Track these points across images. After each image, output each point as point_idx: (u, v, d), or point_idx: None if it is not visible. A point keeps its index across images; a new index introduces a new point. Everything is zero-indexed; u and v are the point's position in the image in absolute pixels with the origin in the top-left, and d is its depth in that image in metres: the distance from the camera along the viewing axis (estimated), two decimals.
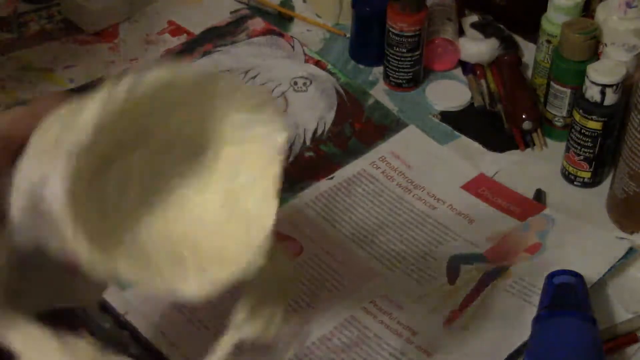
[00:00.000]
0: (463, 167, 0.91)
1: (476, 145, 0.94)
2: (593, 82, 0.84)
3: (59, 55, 1.04)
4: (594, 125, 0.85)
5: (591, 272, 0.76)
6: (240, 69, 1.02)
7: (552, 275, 0.73)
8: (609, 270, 0.78)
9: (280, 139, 0.50)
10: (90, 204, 0.46)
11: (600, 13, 0.91)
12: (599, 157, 0.87)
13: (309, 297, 0.77)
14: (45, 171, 0.45)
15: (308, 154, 0.93)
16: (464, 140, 0.95)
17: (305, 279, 0.79)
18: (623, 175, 0.82)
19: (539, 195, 0.88)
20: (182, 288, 0.47)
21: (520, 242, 0.81)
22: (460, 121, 0.97)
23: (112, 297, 0.78)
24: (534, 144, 0.94)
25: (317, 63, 1.03)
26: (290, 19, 1.11)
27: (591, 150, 0.86)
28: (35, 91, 0.99)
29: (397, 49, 0.97)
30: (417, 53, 0.98)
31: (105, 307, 0.78)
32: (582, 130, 0.86)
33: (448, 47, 1.02)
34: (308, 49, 1.05)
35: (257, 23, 1.09)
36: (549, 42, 0.93)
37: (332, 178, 0.89)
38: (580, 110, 0.86)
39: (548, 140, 0.94)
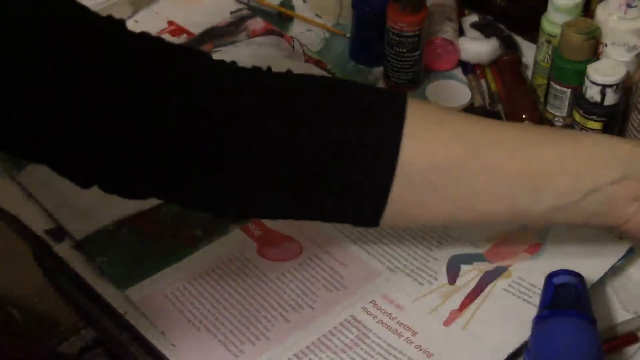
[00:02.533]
0: None
1: None
2: (593, 82, 0.84)
3: None
4: (594, 125, 0.85)
5: (591, 272, 0.76)
6: None
7: (552, 275, 0.73)
8: (609, 270, 0.78)
9: None
10: None
11: (600, 13, 0.91)
12: None
13: (309, 298, 0.77)
14: None
15: None
16: None
17: (305, 279, 0.79)
18: None
19: None
20: None
21: (520, 242, 0.81)
22: None
23: (112, 297, 0.78)
24: None
25: (317, 63, 1.03)
26: (290, 19, 1.11)
27: None
28: None
29: (397, 49, 0.97)
30: (417, 53, 0.98)
31: (105, 307, 0.78)
32: (582, 130, 0.86)
33: (448, 47, 1.02)
34: (308, 49, 1.05)
35: (257, 23, 1.09)
36: (549, 42, 0.93)
37: None
38: (580, 110, 0.86)
39: None
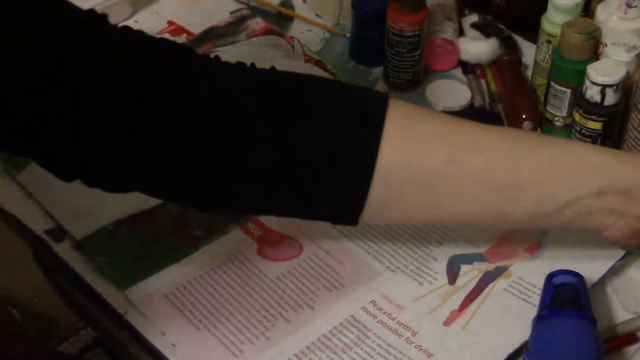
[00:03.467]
0: None
1: None
2: (593, 82, 0.84)
3: None
4: (594, 125, 0.85)
5: (591, 272, 0.76)
6: None
7: (552, 275, 0.73)
8: (609, 270, 0.78)
9: None
10: None
11: (600, 13, 0.91)
12: None
13: (309, 297, 0.77)
14: None
15: None
16: None
17: (305, 279, 0.79)
18: None
19: None
20: None
21: (520, 242, 0.81)
22: None
23: (112, 297, 0.78)
24: None
25: (317, 63, 1.03)
26: (290, 19, 1.11)
27: None
28: None
29: (397, 49, 0.97)
30: (417, 53, 0.98)
31: (105, 307, 0.78)
32: (582, 130, 0.86)
33: (448, 47, 1.02)
34: (308, 49, 1.05)
35: (257, 23, 1.09)
36: (549, 42, 0.93)
37: None
38: (580, 110, 0.86)
39: None
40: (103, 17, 0.64)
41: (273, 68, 0.67)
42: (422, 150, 0.65)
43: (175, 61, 0.63)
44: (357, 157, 0.64)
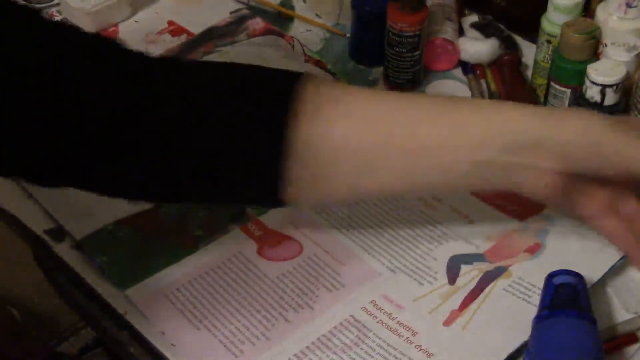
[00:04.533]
0: None
1: None
2: (593, 82, 0.84)
3: None
4: None
5: (591, 272, 0.76)
6: None
7: (552, 275, 0.73)
8: (609, 270, 0.78)
9: None
10: None
11: (600, 13, 0.91)
12: None
13: (309, 297, 0.77)
14: None
15: None
16: None
17: (305, 279, 0.79)
18: None
19: None
20: None
21: (520, 242, 0.81)
22: None
23: (112, 297, 0.78)
24: None
25: (317, 63, 1.03)
26: (290, 19, 1.11)
27: None
28: None
29: (397, 49, 0.97)
30: (417, 53, 0.98)
31: (105, 307, 0.78)
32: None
33: (448, 47, 1.02)
34: (308, 49, 1.05)
35: (257, 23, 1.09)
36: (549, 42, 0.93)
37: None
38: None
39: None
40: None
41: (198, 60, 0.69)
42: (335, 125, 0.66)
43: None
44: (266, 137, 0.64)
